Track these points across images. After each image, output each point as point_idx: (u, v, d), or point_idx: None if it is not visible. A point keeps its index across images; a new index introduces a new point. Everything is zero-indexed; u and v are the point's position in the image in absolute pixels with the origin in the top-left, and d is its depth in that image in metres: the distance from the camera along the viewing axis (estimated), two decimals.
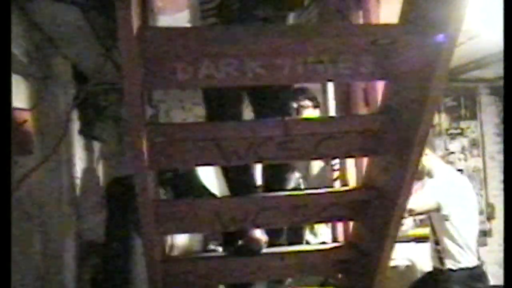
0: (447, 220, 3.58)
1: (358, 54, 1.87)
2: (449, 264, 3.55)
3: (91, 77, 3.76)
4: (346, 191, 2.33)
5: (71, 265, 3.66)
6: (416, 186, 3.25)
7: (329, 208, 2.24)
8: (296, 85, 3.13)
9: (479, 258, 3.72)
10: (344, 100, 2.33)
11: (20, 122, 2.54)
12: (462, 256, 3.56)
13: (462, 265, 3.54)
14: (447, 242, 3.59)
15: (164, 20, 2.67)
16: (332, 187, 2.49)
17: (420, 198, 3.58)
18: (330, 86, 2.55)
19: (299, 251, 2.48)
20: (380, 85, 2.09)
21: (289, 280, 2.93)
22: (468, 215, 3.69)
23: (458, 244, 3.57)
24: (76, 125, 4.05)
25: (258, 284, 2.72)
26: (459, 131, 5.86)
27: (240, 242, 2.39)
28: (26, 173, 2.52)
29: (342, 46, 1.86)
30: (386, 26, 1.98)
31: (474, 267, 3.61)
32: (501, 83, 4.34)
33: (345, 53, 1.86)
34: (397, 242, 2.22)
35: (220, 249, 2.68)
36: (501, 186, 5.46)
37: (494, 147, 5.81)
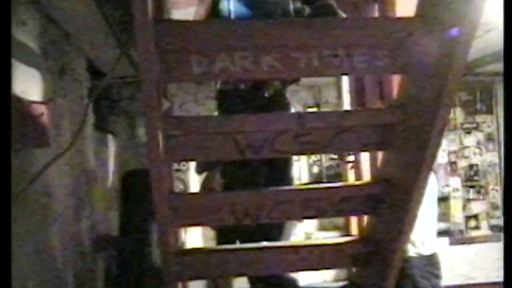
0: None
1: (373, 47, 1.86)
2: (412, 251, 3.61)
3: (107, 71, 3.78)
4: (361, 185, 2.32)
5: (85, 258, 3.69)
6: None
7: (344, 202, 2.24)
8: None
9: (434, 247, 3.78)
10: (359, 93, 2.32)
11: (37, 115, 2.56)
12: (423, 244, 3.62)
13: (423, 253, 3.60)
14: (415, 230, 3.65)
15: (178, 14, 2.69)
16: (346, 181, 2.49)
17: None
18: (345, 80, 2.55)
19: (313, 245, 2.48)
20: (395, 79, 2.08)
21: None
22: (432, 203, 3.75)
23: (422, 232, 3.63)
24: (90, 119, 4.08)
25: None
26: (474, 125, 5.82)
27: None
28: (44, 166, 2.54)
29: (357, 39, 1.85)
30: (402, 19, 1.96)
31: (432, 255, 3.70)
32: None
33: (361, 47, 1.85)
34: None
35: None
36: None
37: None
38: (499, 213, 5.73)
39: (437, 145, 1.87)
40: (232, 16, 2.37)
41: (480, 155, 5.82)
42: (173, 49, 1.75)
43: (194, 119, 2.50)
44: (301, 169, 5.62)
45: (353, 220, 2.58)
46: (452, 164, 5.79)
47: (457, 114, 5.75)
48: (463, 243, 5.69)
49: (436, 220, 3.93)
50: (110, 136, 4.84)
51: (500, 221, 5.67)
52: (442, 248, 5.52)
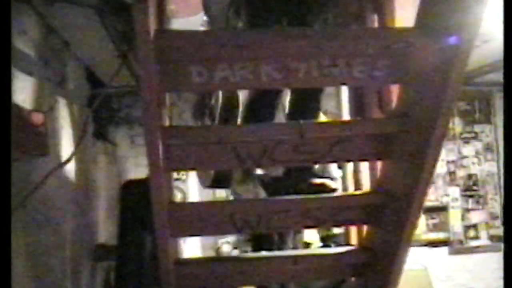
0: None
1: (373, 58, 1.86)
2: None
3: (107, 81, 3.79)
4: (360, 194, 2.32)
5: (84, 267, 3.68)
6: None
7: (343, 212, 2.23)
8: None
9: None
10: (358, 103, 2.33)
11: (36, 124, 2.56)
12: None
13: None
14: None
15: (178, 23, 2.70)
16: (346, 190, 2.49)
17: None
18: (344, 90, 2.56)
19: (312, 255, 2.47)
20: (394, 89, 2.08)
21: None
22: None
23: None
24: (90, 128, 4.08)
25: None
26: (473, 135, 5.82)
27: None
28: (45, 176, 2.54)
29: (357, 49, 1.85)
30: (402, 30, 1.97)
31: None
32: None
33: (360, 57, 1.85)
34: (410, 246, 2.20)
35: None
36: None
37: None
38: (498, 222, 5.73)
39: (436, 154, 1.87)
40: None
41: (479, 164, 5.83)
42: (173, 59, 1.76)
43: (194, 129, 2.50)
44: None
45: (353, 230, 2.57)
46: (451, 173, 5.79)
47: (456, 124, 5.76)
48: (462, 253, 5.68)
49: None
50: (109, 145, 4.84)
51: (499, 231, 5.67)
52: (441, 258, 5.53)
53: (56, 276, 2.99)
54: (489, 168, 5.79)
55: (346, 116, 2.56)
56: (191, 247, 4.77)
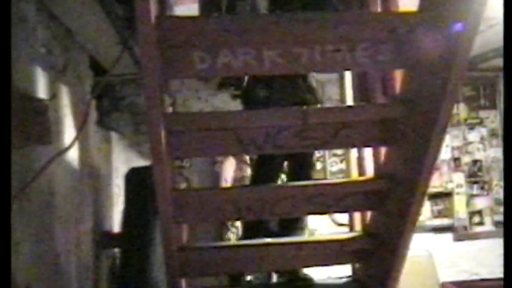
0: None
1: (376, 42, 1.85)
2: None
3: (109, 68, 3.78)
4: (364, 180, 2.32)
5: (89, 255, 3.70)
6: None
7: (347, 198, 2.23)
8: None
9: None
10: (362, 89, 2.31)
11: (39, 112, 2.56)
12: None
13: None
14: None
15: (179, 11, 2.68)
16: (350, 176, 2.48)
17: None
18: (348, 75, 2.54)
19: (316, 241, 2.48)
20: (398, 74, 2.07)
21: None
22: None
23: None
24: (93, 116, 4.07)
25: None
26: (478, 121, 5.79)
27: None
28: (47, 163, 2.54)
29: (360, 34, 1.84)
30: (405, 14, 1.95)
31: None
32: None
33: (364, 42, 1.84)
34: (414, 232, 2.20)
35: None
36: None
37: None
38: (502, 209, 5.71)
39: (440, 140, 1.86)
40: None
41: (484, 150, 5.80)
42: (175, 45, 1.75)
43: (197, 116, 2.49)
44: None
45: (357, 216, 2.57)
46: (456, 159, 5.77)
47: (461, 110, 5.72)
48: (467, 239, 5.68)
49: None
50: (113, 133, 4.84)
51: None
52: (445, 244, 5.53)
53: (60, 264, 3.00)
54: (494, 154, 5.76)
55: (350, 102, 2.55)
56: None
